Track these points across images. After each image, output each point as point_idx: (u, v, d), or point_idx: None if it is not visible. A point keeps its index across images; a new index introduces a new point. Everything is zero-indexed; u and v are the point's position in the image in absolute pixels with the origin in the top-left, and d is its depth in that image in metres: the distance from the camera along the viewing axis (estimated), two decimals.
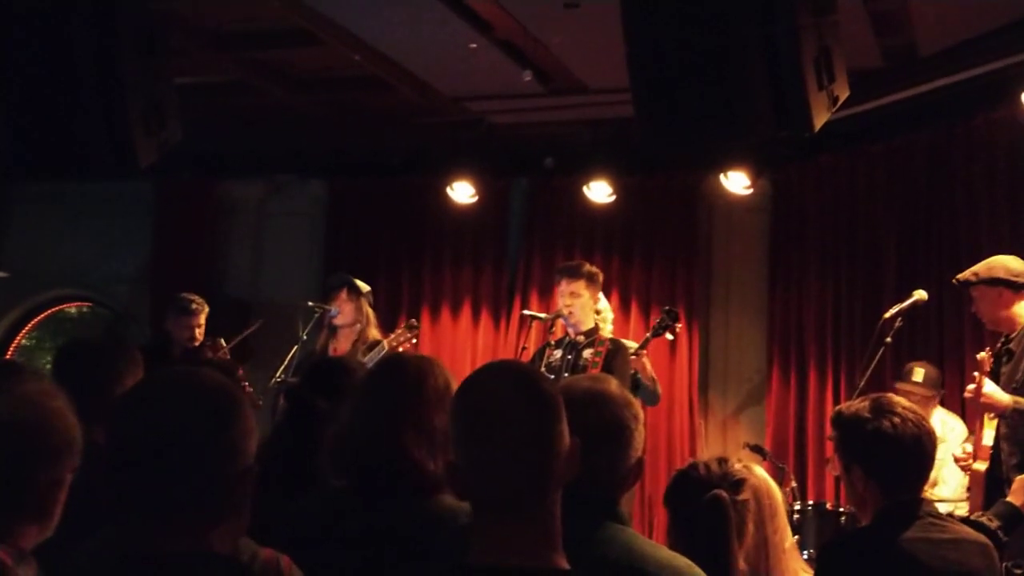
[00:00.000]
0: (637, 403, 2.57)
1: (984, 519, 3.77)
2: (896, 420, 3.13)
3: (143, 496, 1.94)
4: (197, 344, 7.55)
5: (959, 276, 5.46)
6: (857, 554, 3.10)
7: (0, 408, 1.95)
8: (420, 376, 2.71)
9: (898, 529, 3.05)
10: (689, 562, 2.38)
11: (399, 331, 7.05)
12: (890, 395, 3.29)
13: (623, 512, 2.45)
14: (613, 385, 2.55)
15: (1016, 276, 5.28)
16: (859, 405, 3.21)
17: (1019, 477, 4.15)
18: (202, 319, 7.64)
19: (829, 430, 7.05)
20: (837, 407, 3.37)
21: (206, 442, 1.94)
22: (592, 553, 2.28)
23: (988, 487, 5.08)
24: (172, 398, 1.99)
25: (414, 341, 7.20)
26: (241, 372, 7.31)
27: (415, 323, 7.23)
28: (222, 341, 7.51)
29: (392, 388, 2.72)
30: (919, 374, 6.50)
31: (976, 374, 5.08)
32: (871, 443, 3.12)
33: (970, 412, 6.50)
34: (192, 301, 7.62)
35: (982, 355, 5.17)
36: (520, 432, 1.93)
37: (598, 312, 6.81)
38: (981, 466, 5.18)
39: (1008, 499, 4.03)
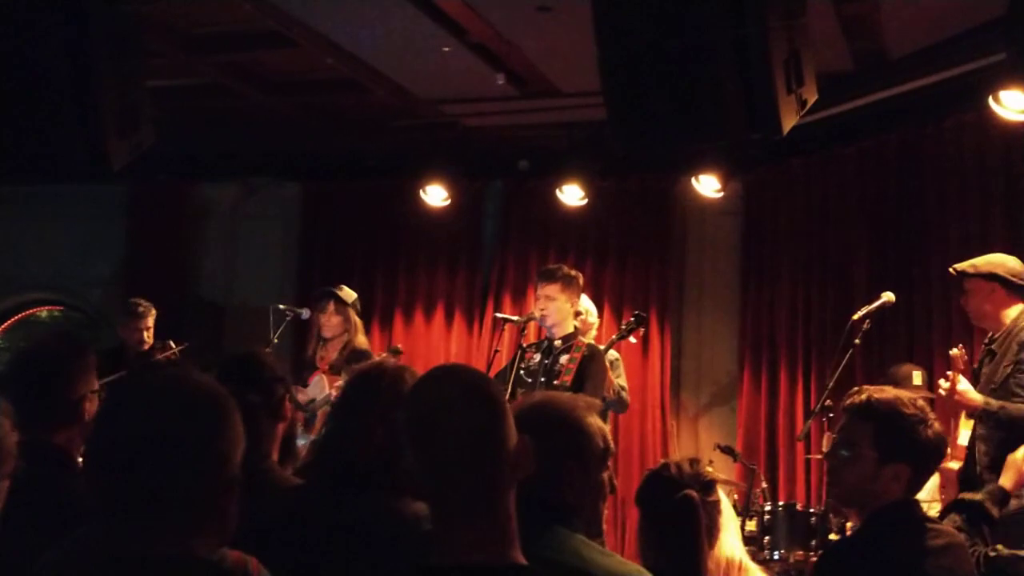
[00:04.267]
0: (598, 419, 2.61)
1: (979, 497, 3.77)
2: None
3: (130, 499, 1.92)
4: (148, 347, 7.55)
5: (957, 266, 5.40)
6: (858, 562, 3.03)
7: None
8: (396, 381, 2.77)
9: (899, 535, 3.02)
10: (639, 568, 2.41)
11: (382, 356, 7.07)
12: (915, 396, 3.19)
13: (579, 522, 2.47)
14: (569, 396, 2.61)
15: (1014, 276, 5.24)
16: (911, 402, 3.07)
17: (1010, 456, 4.10)
18: (150, 321, 7.64)
19: (799, 430, 7.14)
20: (878, 396, 3.10)
21: (195, 448, 1.93)
22: (541, 556, 2.31)
23: (961, 486, 5.10)
24: (163, 402, 1.97)
25: None
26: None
27: (399, 348, 7.24)
28: (171, 343, 7.48)
29: (369, 391, 2.78)
30: (917, 377, 6.43)
31: (950, 372, 5.09)
32: (935, 447, 3.06)
33: (939, 409, 6.53)
34: (139, 304, 7.63)
35: (955, 351, 5.16)
36: (464, 435, 1.96)
37: (579, 314, 6.82)
38: (955, 465, 5.19)
39: (1000, 482, 3.99)
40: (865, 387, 3.21)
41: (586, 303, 6.99)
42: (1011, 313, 5.24)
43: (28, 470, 2.57)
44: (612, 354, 6.80)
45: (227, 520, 1.98)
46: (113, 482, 1.94)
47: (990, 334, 5.36)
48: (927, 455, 3.07)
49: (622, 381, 6.85)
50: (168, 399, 1.98)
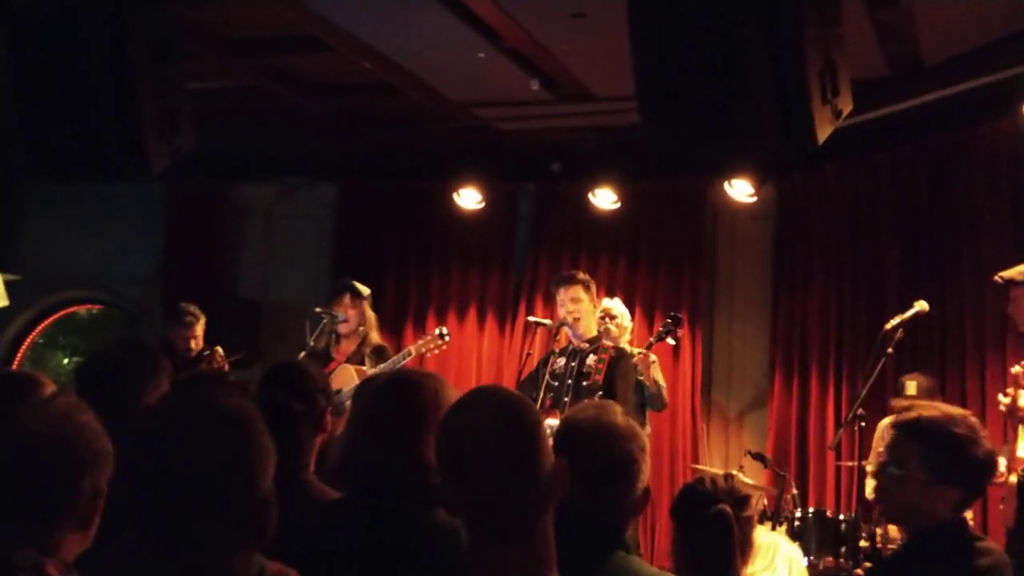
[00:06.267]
0: (643, 433, 2.62)
1: None
2: None
3: (165, 522, 1.96)
4: (195, 354, 7.65)
5: (1003, 273, 5.40)
6: None
7: (36, 424, 2.00)
8: (437, 392, 2.77)
9: (945, 556, 2.99)
10: None
11: (429, 338, 7.07)
12: (966, 413, 3.14)
13: (629, 540, 2.51)
14: (619, 416, 2.59)
15: None
16: (961, 420, 3.02)
17: None
18: (198, 330, 7.74)
19: (830, 437, 7.12)
20: (928, 415, 3.06)
21: (220, 475, 1.96)
22: None
23: (1021, 498, 5.11)
24: (187, 430, 2.00)
25: (444, 348, 7.21)
26: (233, 379, 7.35)
27: (446, 332, 7.20)
28: (219, 350, 7.56)
29: (412, 402, 2.76)
30: (911, 387, 6.46)
31: (1011, 388, 5.07)
32: (985, 467, 3.03)
33: (995, 421, 6.52)
34: (187, 313, 7.71)
35: (1017, 369, 5.16)
36: (497, 467, 1.99)
37: (613, 317, 6.85)
38: (1015, 478, 5.20)
39: None
40: (916, 403, 3.17)
41: (619, 307, 7.03)
42: None
43: None
44: (651, 355, 6.82)
45: (262, 535, 2.02)
46: (148, 504, 1.97)
47: None
48: (977, 476, 3.05)
49: (660, 379, 6.88)
50: (192, 427, 2.00)
